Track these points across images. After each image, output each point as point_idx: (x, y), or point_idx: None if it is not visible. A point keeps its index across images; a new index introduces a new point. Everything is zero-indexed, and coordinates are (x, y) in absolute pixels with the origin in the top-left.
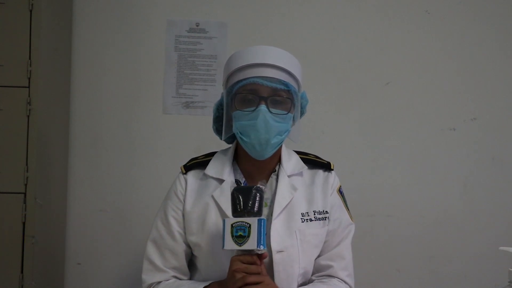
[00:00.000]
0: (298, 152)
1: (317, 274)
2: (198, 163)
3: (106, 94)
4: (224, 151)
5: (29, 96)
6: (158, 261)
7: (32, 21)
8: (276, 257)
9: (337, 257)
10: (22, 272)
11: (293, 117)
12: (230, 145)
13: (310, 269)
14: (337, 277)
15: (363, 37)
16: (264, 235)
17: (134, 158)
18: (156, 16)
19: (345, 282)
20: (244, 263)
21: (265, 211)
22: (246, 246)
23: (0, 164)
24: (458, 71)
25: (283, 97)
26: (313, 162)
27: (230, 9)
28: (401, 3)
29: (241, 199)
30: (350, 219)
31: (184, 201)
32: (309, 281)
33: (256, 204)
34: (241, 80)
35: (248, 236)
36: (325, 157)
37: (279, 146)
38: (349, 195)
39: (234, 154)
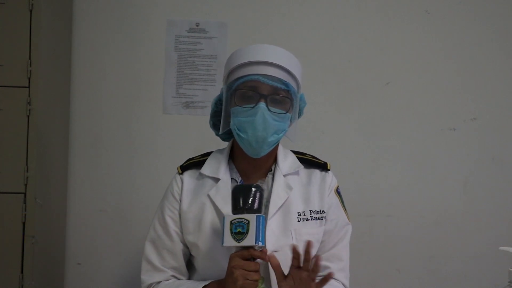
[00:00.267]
0: (295, 152)
1: None
2: (194, 163)
3: (106, 94)
4: (220, 150)
5: (29, 96)
6: (156, 261)
7: (32, 21)
8: None
9: (334, 258)
10: (22, 272)
11: (291, 118)
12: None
13: None
14: (334, 279)
15: (363, 37)
16: (263, 232)
17: (134, 158)
18: (156, 16)
19: (343, 284)
20: (243, 260)
21: None
22: (244, 243)
23: (0, 164)
24: (458, 71)
25: (282, 97)
26: (310, 162)
27: (230, 9)
28: (401, 3)
29: (241, 197)
30: (347, 219)
31: (180, 201)
32: None
33: (256, 202)
34: (242, 77)
35: (247, 232)
36: (325, 157)
37: (275, 145)
38: (349, 195)
39: (230, 153)
